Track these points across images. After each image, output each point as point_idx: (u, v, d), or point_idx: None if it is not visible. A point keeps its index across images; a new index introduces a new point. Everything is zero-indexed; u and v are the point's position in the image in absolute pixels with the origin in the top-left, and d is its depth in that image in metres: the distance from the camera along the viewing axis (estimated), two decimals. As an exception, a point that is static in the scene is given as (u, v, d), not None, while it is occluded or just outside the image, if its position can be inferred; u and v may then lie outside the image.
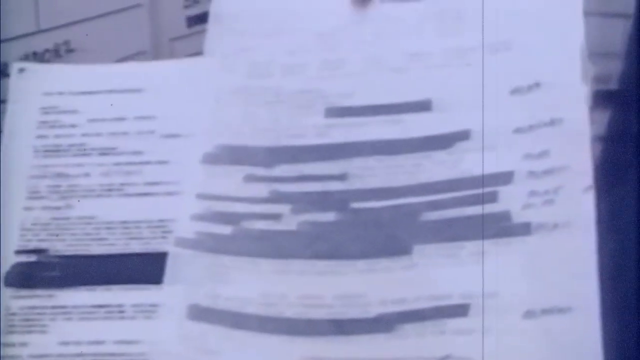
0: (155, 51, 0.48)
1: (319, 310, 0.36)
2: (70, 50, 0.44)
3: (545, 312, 0.34)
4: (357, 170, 0.38)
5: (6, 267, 0.38)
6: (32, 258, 0.38)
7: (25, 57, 0.43)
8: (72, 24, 0.44)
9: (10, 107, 0.41)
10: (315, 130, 0.39)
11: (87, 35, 0.43)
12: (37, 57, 0.43)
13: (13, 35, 0.42)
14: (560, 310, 0.33)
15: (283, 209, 0.38)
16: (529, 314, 0.34)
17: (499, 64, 0.37)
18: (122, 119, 0.40)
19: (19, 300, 0.37)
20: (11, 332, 0.37)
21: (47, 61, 0.43)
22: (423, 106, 0.38)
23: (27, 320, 0.37)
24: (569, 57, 0.36)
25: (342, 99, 0.39)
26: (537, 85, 0.36)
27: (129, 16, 0.46)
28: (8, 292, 0.37)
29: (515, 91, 0.37)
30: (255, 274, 0.37)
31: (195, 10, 0.46)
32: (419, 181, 0.37)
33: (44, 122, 0.40)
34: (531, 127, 0.36)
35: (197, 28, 0.46)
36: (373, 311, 0.35)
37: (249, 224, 0.38)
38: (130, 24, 0.47)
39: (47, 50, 0.44)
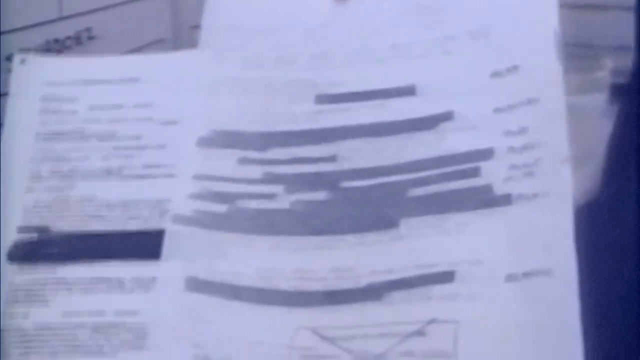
0: (176, 38, 0.49)
1: (312, 282, 0.37)
2: (91, 37, 0.46)
3: (526, 275, 0.36)
4: (346, 152, 0.40)
5: (9, 244, 0.39)
6: (34, 235, 0.39)
7: (46, 44, 0.44)
8: (94, 11, 0.45)
9: (12, 96, 0.42)
10: (306, 116, 0.41)
11: (108, 22, 0.45)
12: (58, 43, 0.44)
13: (35, 22, 0.43)
14: (540, 272, 0.35)
15: (277, 189, 0.40)
16: (510, 278, 0.36)
17: (479, 50, 0.40)
18: (120, 106, 0.42)
19: (22, 275, 0.39)
20: (15, 304, 0.38)
21: (69, 48, 0.44)
22: (407, 91, 0.40)
23: (30, 293, 0.38)
24: (544, 41, 0.38)
25: (331, 86, 0.41)
26: (515, 68, 0.39)
27: (150, 4, 0.47)
28: (11, 267, 0.39)
29: (495, 74, 0.39)
30: (250, 250, 0.38)
31: None
32: (405, 160, 0.39)
33: (45, 110, 0.42)
34: (510, 107, 0.39)
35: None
36: (363, 281, 0.37)
37: (244, 202, 0.39)
38: (151, 11, 0.48)
39: (68, 38, 0.45)
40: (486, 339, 0.35)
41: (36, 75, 0.43)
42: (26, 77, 0.43)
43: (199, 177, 0.40)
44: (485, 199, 0.37)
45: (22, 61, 0.43)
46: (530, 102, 0.38)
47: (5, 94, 0.41)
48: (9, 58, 0.43)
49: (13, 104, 0.42)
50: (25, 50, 0.43)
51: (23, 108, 0.42)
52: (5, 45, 0.43)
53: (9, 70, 0.42)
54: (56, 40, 0.44)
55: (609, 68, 0.38)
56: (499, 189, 0.37)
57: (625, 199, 0.38)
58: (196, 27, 0.42)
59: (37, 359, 0.37)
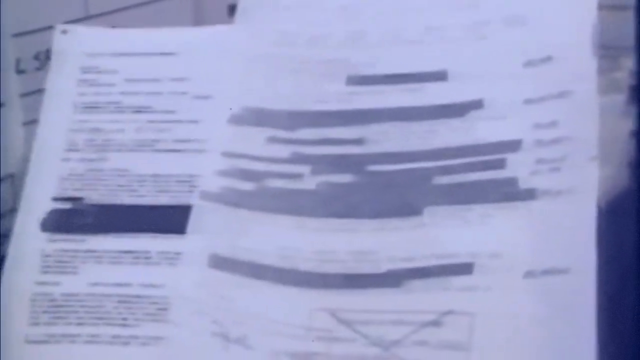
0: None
1: (332, 264, 0.38)
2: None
3: (545, 272, 0.35)
4: (374, 135, 0.40)
5: (43, 212, 0.41)
6: (68, 205, 0.41)
7: None
8: (119, 11, 0.46)
9: (53, 66, 0.43)
10: (337, 96, 0.41)
11: (132, 22, 0.45)
12: None
13: (62, 20, 0.44)
14: (559, 271, 0.35)
15: (303, 169, 0.40)
16: (529, 274, 0.35)
17: (514, 38, 0.39)
18: (156, 80, 0.43)
19: (54, 244, 0.40)
20: (45, 272, 0.40)
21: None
22: (439, 76, 0.40)
23: (61, 262, 0.40)
24: (581, 34, 0.37)
25: (363, 68, 0.41)
26: (549, 58, 0.38)
27: (173, 4, 0.48)
28: (44, 235, 0.40)
29: (528, 64, 0.38)
30: (273, 228, 0.39)
31: None
32: (432, 147, 0.39)
33: (83, 81, 0.43)
34: (541, 99, 0.38)
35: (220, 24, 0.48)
36: (383, 267, 0.37)
37: (270, 181, 0.40)
38: (174, 11, 0.49)
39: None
40: (501, 333, 0.35)
41: (77, 46, 0.44)
42: (67, 48, 0.44)
43: (227, 154, 0.41)
44: (510, 192, 0.37)
45: (64, 32, 0.44)
46: (562, 95, 0.37)
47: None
48: (37, 57, 0.45)
49: (53, 74, 0.43)
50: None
51: (63, 78, 0.43)
52: (34, 44, 0.45)
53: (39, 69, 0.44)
54: None
55: (628, 69, 0.37)
56: (524, 183, 0.37)
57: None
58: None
59: (63, 327, 0.38)
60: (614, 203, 0.36)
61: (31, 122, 0.43)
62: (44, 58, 0.44)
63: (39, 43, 0.44)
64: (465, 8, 0.40)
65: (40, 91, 0.43)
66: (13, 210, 0.41)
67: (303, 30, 0.43)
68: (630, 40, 0.36)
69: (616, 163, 0.36)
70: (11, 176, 0.43)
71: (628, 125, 0.36)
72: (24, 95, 0.44)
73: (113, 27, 0.44)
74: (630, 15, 0.36)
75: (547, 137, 0.37)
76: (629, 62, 0.37)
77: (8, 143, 0.43)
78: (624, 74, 0.37)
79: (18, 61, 0.44)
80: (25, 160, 0.42)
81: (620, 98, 0.37)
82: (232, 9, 0.47)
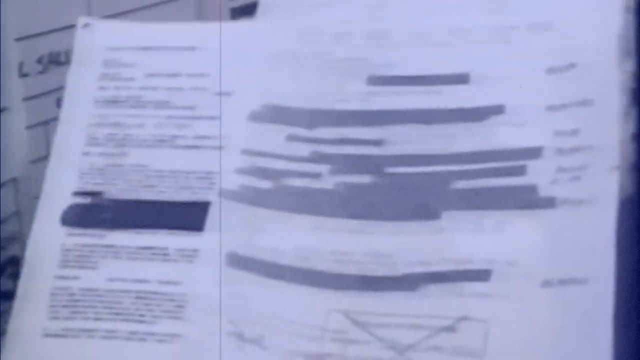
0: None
1: (348, 265, 0.38)
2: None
3: (562, 282, 0.35)
4: (393, 136, 0.40)
5: (63, 207, 0.41)
6: (87, 200, 0.41)
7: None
8: (123, 14, 0.46)
9: (75, 60, 0.43)
10: (357, 96, 0.41)
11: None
12: None
13: (65, 24, 0.44)
14: (577, 282, 0.35)
15: (322, 168, 0.40)
16: (546, 283, 0.35)
17: (538, 43, 0.38)
18: (177, 75, 0.43)
19: (74, 238, 0.40)
20: (65, 267, 0.40)
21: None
22: (461, 79, 0.39)
23: (80, 256, 0.40)
24: (605, 43, 0.37)
25: (384, 68, 0.41)
26: (572, 65, 0.37)
27: (175, 6, 0.48)
28: (64, 230, 0.41)
29: (551, 70, 0.38)
30: (291, 228, 0.39)
31: (239, 2, 0.48)
32: (452, 151, 0.39)
33: (105, 75, 0.43)
34: (563, 106, 0.37)
35: (241, 19, 0.48)
36: (399, 270, 0.37)
37: (289, 180, 0.40)
38: (177, 13, 0.49)
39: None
40: (516, 342, 0.35)
41: (98, 39, 0.44)
42: (88, 42, 0.44)
43: (246, 152, 0.41)
44: (529, 200, 0.37)
45: (86, 25, 0.44)
46: (584, 103, 0.37)
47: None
48: (40, 60, 0.45)
49: (75, 68, 0.43)
50: (56, 52, 0.45)
51: (84, 72, 0.43)
52: (37, 47, 0.45)
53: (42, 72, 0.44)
54: None
55: (630, 72, 0.36)
56: (544, 191, 0.37)
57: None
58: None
59: (81, 322, 0.39)
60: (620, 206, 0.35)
61: (34, 126, 0.43)
62: (46, 62, 0.45)
63: (42, 46, 0.44)
64: (491, 12, 0.40)
65: (43, 95, 0.43)
66: (17, 214, 0.42)
67: (325, 28, 0.42)
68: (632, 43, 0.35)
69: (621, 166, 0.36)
70: (14, 180, 0.44)
71: (629, 128, 0.36)
72: (27, 99, 0.44)
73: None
74: (630, 16, 0.35)
75: (568, 145, 0.37)
76: (630, 65, 0.36)
77: (11, 147, 0.44)
78: (626, 77, 0.37)
79: (21, 65, 0.44)
80: (29, 164, 0.42)
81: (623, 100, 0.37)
82: (234, 12, 0.46)
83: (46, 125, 0.45)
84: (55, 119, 0.43)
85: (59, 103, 0.44)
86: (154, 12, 0.47)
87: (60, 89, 0.43)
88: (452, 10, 0.41)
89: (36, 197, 0.41)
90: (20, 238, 0.43)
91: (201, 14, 0.47)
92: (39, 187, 0.41)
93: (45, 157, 0.42)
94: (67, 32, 0.44)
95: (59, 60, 0.45)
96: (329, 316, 0.37)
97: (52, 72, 0.45)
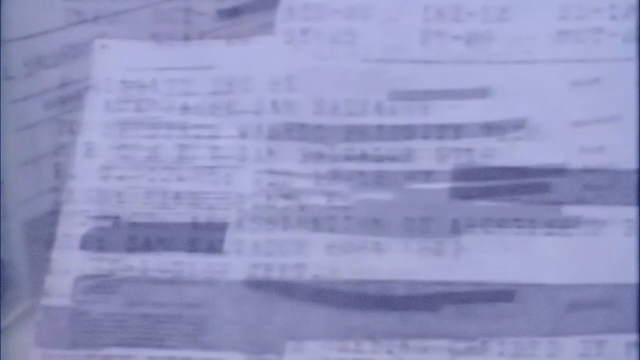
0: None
1: (369, 285, 0.37)
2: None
3: (588, 304, 0.34)
4: (413, 152, 0.39)
5: (82, 231, 0.41)
6: (106, 223, 0.41)
7: (62, 49, 0.45)
8: (108, 16, 0.46)
9: (92, 82, 0.43)
10: (377, 111, 0.40)
11: (122, 28, 0.45)
12: (75, 49, 0.45)
13: (51, 27, 0.44)
14: (602, 304, 0.34)
15: (341, 186, 0.39)
16: (572, 306, 0.34)
17: (562, 56, 0.37)
18: (194, 94, 0.42)
19: (92, 262, 0.40)
20: (84, 292, 0.40)
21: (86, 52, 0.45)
22: (481, 93, 0.38)
23: (99, 281, 0.40)
24: (631, 57, 0.35)
25: (404, 82, 0.40)
26: (597, 80, 0.36)
27: (164, 6, 0.47)
28: (82, 254, 0.40)
29: (575, 84, 0.37)
30: (309, 248, 0.38)
31: (226, 4, 0.47)
32: (473, 166, 0.38)
33: (123, 96, 0.43)
34: (588, 122, 0.36)
35: (227, 22, 0.47)
36: (420, 290, 0.37)
37: (307, 199, 0.39)
38: (165, 17, 0.48)
39: (79, 43, 0.45)
40: None
41: (116, 61, 0.43)
42: (107, 63, 0.43)
43: (265, 171, 0.40)
44: (553, 219, 0.36)
45: (103, 47, 0.44)
46: (612, 119, 0.35)
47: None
48: (26, 63, 0.44)
49: (93, 90, 0.43)
50: (42, 55, 0.44)
51: (102, 94, 0.43)
52: (23, 50, 0.44)
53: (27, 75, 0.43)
54: (72, 46, 0.45)
55: None
56: (568, 210, 0.35)
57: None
58: (205, 32, 0.41)
59: (101, 348, 0.39)
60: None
61: (21, 129, 0.43)
62: (33, 65, 0.44)
63: (28, 50, 0.44)
64: (512, 24, 0.39)
65: (30, 97, 0.42)
66: (2, 217, 0.41)
67: (343, 43, 0.41)
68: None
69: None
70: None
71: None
72: (14, 102, 0.44)
73: (104, 35, 0.44)
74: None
75: (594, 162, 0.35)
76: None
77: (-2, 150, 0.43)
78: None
79: (6, 68, 0.44)
80: (15, 167, 0.42)
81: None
82: (221, 14, 0.46)
83: (32, 129, 0.44)
84: (42, 121, 0.42)
85: (46, 106, 0.43)
86: (142, 13, 0.46)
87: (47, 91, 0.43)
88: (473, 21, 0.40)
89: (21, 200, 0.41)
90: (5, 241, 0.43)
91: (188, 17, 0.46)
92: (25, 190, 0.41)
93: (31, 161, 0.42)
94: (53, 35, 0.44)
95: (45, 63, 0.45)
96: (349, 336, 0.37)
97: (39, 75, 0.45)
